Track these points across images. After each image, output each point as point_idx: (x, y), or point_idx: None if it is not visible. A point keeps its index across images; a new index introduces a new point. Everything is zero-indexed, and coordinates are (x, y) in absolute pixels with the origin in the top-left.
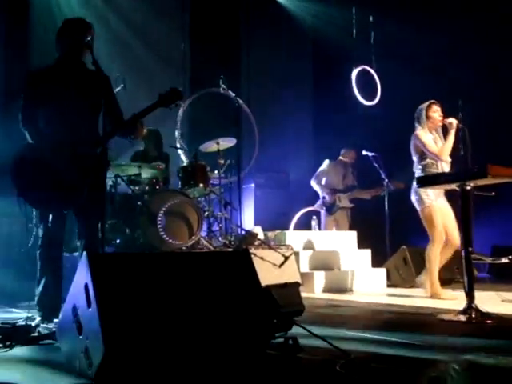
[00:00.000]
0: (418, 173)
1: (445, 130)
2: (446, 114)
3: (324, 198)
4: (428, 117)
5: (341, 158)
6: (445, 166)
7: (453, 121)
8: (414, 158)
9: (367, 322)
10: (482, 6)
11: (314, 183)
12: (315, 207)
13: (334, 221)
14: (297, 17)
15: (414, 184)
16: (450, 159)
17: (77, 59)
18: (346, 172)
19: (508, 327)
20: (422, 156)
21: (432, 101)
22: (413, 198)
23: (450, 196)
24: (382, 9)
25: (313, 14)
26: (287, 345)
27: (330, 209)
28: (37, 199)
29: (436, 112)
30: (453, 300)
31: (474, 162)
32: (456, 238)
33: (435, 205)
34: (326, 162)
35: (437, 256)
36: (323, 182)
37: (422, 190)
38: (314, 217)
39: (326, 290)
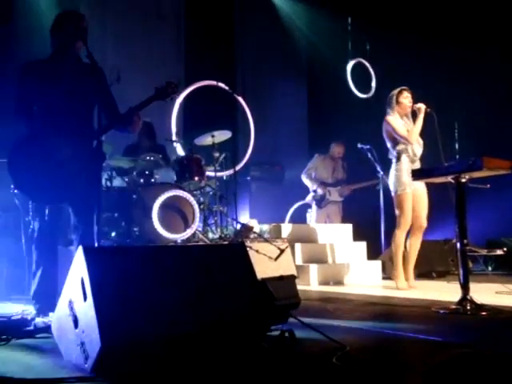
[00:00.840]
0: (393, 159)
1: (415, 116)
2: (415, 101)
3: (314, 191)
4: (398, 102)
5: (330, 151)
6: (416, 149)
7: (421, 106)
8: (388, 145)
9: (363, 314)
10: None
11: (304, 177)
12: (306, 201)
13: (324, 214)
14: (291, 13)
15: (392, 169)
16: (421, 141)
17: (71, 52)
18: (335, 166)
19: (502, 319)
20: (395, 141)
21: (403, 87)
22: (390, 181)
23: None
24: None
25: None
26: (283, 337)
27: (320, 202)
28: (33, 192)
29: (406, 98)
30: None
31: (466, 154)
32: (424, 220)
33: (409, 192)
34: (315, 156)
35: (402, 242)
36: (313, 176)
37: (397, 176)
38: (310, 210)
39: (322, 282)
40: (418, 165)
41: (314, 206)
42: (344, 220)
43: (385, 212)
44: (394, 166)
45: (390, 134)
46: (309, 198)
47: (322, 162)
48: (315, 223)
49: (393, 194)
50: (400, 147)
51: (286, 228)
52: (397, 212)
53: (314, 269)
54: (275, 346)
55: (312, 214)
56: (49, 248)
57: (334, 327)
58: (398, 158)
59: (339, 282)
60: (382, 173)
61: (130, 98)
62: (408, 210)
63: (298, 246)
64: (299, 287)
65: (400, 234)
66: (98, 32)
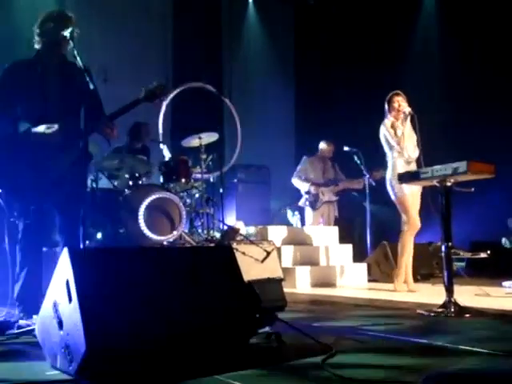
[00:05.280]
0: (390, 163)
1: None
2: (409, 104)
3: (307, 193)
4: (391, 107)
5: (319, 152)
6: (411, 152)
7: (405, 109)
8: (386, 148)
9: (349, 316)
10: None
11: (295, 180)
12: (300, 204)
13: (319, 216)
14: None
15: (389, 174)
16: (414, 144)
17: (57, 52)
18: (325, 166)
19: (486, 321)
20: (390, 145)
21: (394, 92)
22: (388, 187)
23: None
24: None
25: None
26: (270, 340)
27: (314, 204)
28: (17, 192)
29: (396, 102)
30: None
31: (453, 159)
32: (418, 220)
33: (408, 193)
34: (304, 158)
35: (410, 243)
36: (303, 178)
37: (394, 179)
38: (297, 212)
39: (308, 285)
40: (413, 166)
41: (307, 209)
42: (336, 221)
43: (370, 215)
44: (390, 171)
45: (386, 138)
46: (302, 201)
47: (312, 163)
48: (309, 225)
49: (393, 198)
50: (395, 151)
51: (273, 230)
52: (403, 215)
53: (300, 271)
54: (261, 348)
55: (307, 217)
56: (33, 249)
57: (320, 329)
58: (394, 164)
59: (325, 285)
60: (367, 175)
61: (117, 99)
62: (412, 208)
63: (284, 248)
64: (286, 290)
65: (408, 235)
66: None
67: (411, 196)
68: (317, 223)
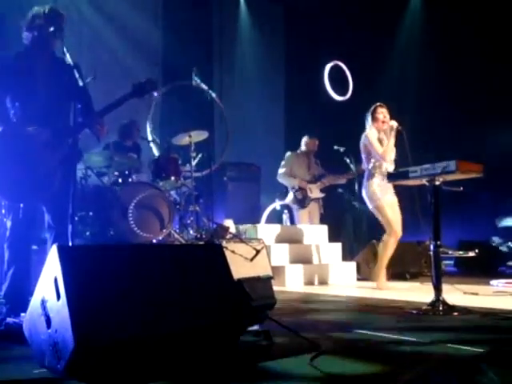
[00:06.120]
0: (367, 173)
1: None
2: (391, 116)
3: (296, 190)
4: (374, 118)
5: (303, 147)
6: (389, 166)
7: (393, 123)
8: (363, 156)
9: (338, 314)
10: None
11: (281, 177)
12: (287, 201)
13: (307, 214)
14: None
15: (365, 181)
16: (393, 157)
17: (47, 48)
18: (309, 162)
19: (473, 319)
20: (369, 155)
21: (378, 104)
22: (364, 195)
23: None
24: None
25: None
26: (259, 338)
27: (303, 202)
28: (4, 189)
29: (380, 114)
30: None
31: (436, 159)
32: (399, 229)
33: (383, 200)
34: (288, 154)
35: (392, 248)
36: (289, 175)
37: (371, 188)
38: (286, 210)
39: (298, 283)
40: None
41: (294, 207)
42: (322, 217)
43: (358, 214)
44: (366, 181)
45: (366, 147)
46: (289, 199)
47: (297, 159)
48: (296, 224)
49: (370, 207)
50: (374, 163)
51: (262, 228)
52: (382, 221)
53: (289, 270)
54: (251, 346)
55: (293, 215)
56: (22, 247)
57: (309, 328)
58: (371, 175)
59: (315, 283)
60: (358, 175)
61: (106, 95)
62: (391, 214)
63: (274, 246)
64: (275, 288)
65: (390, 240)
66: (75, 29)
67: (388, 205)
68: (304, 221)
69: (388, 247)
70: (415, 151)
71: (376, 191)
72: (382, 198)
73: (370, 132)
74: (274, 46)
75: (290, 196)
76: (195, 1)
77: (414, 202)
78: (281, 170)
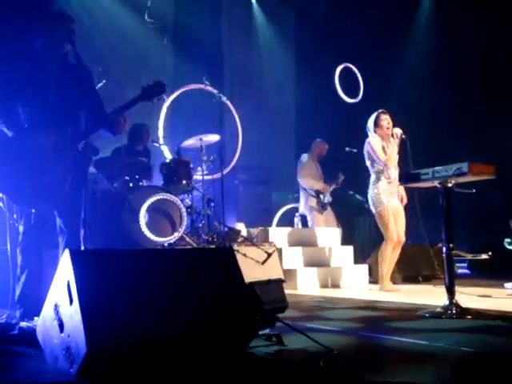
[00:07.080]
0: (371, 179)
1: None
2: (394, 123)
3: (320, 193)
4: (378, 125)
5: (315, 150)
6: (392, 172)
7: (397, 131)
8: (367, 163)
9: (351, 318)
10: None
11: (303, 180)
12: (310, 204)
13: (324, 217)
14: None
15: (371, 185)
16: (395, 164)
17: (58, 52)
18: (320, 165)
19: (486, 322)
20: (374, 162)
21: (381, 110)
22: (369, 201)
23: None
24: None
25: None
26: (270, 341)
27: (324, 206)
28: (16, 194)
29: (384, 120)
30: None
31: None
32: (403, 235)
33: (388, 207)
34: (305, 156)
35: (389, 254)
36: (309, 178)
37: (376, 195)
38: (297, 213)
39: (310, 286)
40: (394, 185)
41: (312, 211)
42: (338, 221)
43: (372, 217)
44: (372, 186)
45: (369, 154)
46: (312, 203)
47: (313, 162)
48: (315, 228)
49: (374, 211)
50: (378, 169)
51: (274, 232)
52: (382, 228)
53: (301, 273)
54: (263, 349)
55: (313, 219)
56: (34, 251)
57: (321, 331)
58: (377, 179)
59: (327, 286)
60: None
61: (117, 99)
62: (391, 223)
63: (285, 249)
64: (287, 291)
65: (387, 248)
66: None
67: (391, 211)
68: (323, 225)
69: (385, 255)
70: (418, 156)
71: (381, 195)
72: (387, 203)
73: (374, 140)
74: (284, 49)
75: (303, 200)
76: (204, 3)
77: (414, 205)
78: (303, 172)
